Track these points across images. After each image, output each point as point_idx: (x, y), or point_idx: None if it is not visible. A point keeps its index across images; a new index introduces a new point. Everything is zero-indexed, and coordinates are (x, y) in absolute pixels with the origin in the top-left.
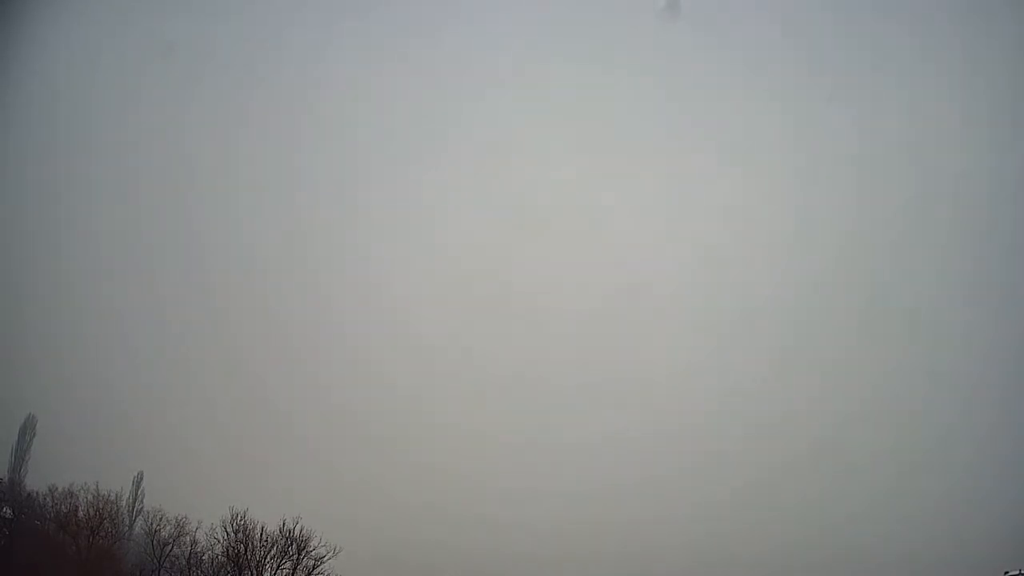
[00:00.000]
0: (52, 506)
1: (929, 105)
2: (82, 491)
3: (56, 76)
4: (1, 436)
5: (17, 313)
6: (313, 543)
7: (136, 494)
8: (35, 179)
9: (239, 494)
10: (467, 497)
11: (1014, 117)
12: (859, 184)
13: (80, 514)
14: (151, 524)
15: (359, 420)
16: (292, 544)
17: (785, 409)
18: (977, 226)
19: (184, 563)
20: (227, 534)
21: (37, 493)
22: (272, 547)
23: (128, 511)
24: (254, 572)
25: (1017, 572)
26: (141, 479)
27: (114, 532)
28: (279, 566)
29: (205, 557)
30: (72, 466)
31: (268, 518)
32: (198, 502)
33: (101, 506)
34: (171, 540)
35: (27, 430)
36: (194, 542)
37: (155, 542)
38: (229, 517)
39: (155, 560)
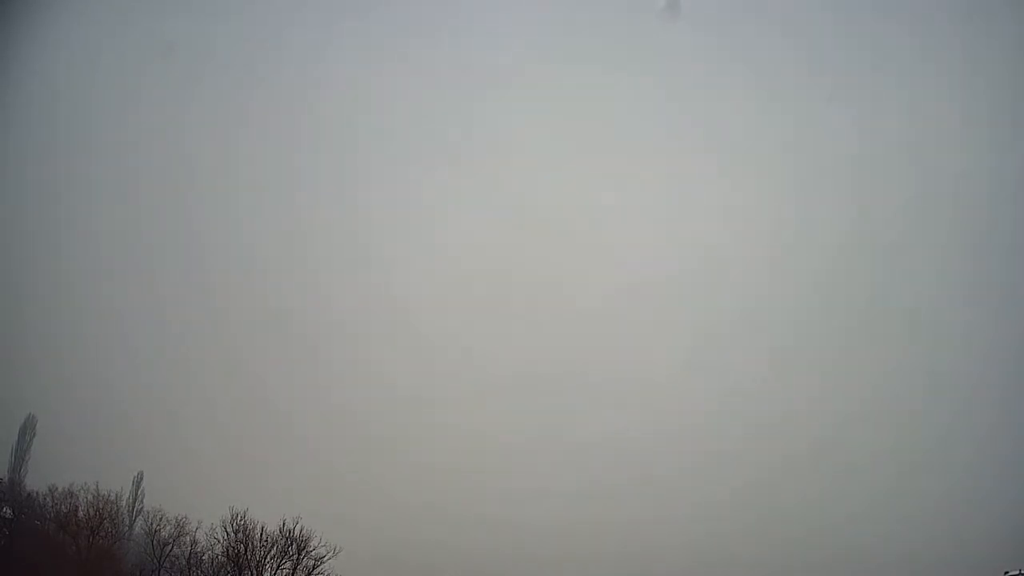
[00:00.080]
0: (52, 506)
1: (929, 105)
2: (82, 491)
3: (56, 76)
4: (1, 436)
5: (17, 313)
6: (313, 543)
7: (136, 494)
8: (35, 179)
9: (239, 494)
10: (467, 497)
11: (1014, 117)
12: (859, 184)
13: (80, 514)
14: (151, 524)
15: (359, 420)
16: (292, 544)
17: (785, 409)
18: (977, 226)
19: (184, 563)
20: (227, 534)
21: (37, 493)
22: (272, 547)
23: (128, 511)
24: (254, 572)
25: (1017, 572)
26: (141, 479)
27: (114, 532)
28: (279, 566)
29: (205, 557)
30: (72, 466)
31: (268, 518)
32: (198, 502)
33: (101, 506)
34: (171, 540)
35: (27, 430)
36: (194, 542)
37: (155, 542)
38: (229, 517)
39: (155, 560)
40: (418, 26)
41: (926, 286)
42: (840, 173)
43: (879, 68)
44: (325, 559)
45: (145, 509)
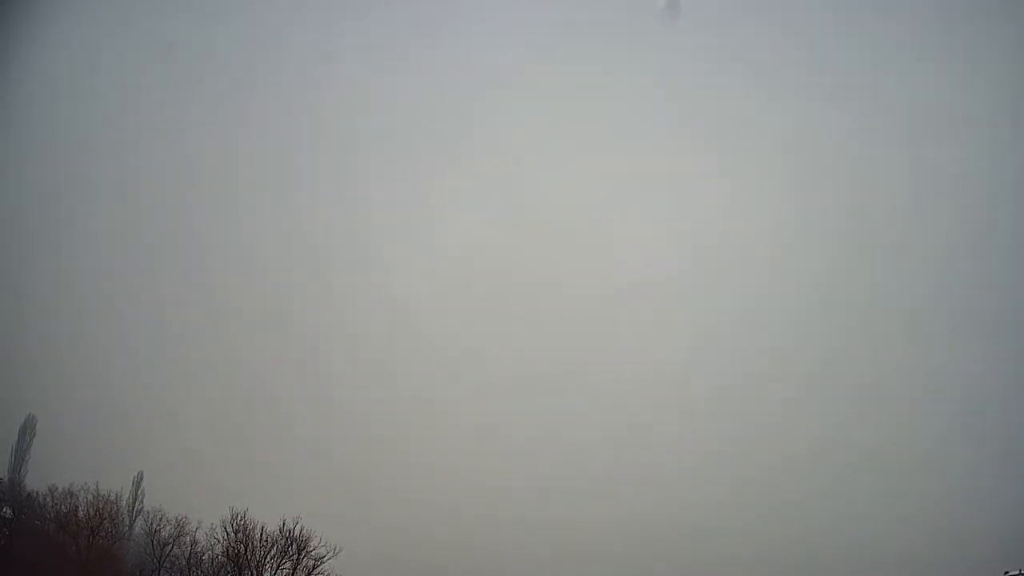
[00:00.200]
0: (52, 506)
1: (929, 105)
2: (82, 491)
3: (56, 76)
4: (1, 436)
5: (17, 313)
6: (313, 543)
7: (136, 494)
8: (35, 179)
9: (239, 494)
10: (467, 497)
11: (1014, 117)
12: (859, 184)
13: (80, 514)
14: (151, 524)
15: (359, 420)
16: (292, 544)
17: (785, 409)
18: (977, 226)
19: (184, 563)
20: (227, 534)
21: (37, 493)
22: (272, 547)
23: (128, 511)
24: (254, 572)
25: (1017, 572)
26: (141, 479)
27: (114, 532)
28: (279, 566)
29: (205, 557)
30: (72, 466)
31: (268, 518)
32: (198, 502)
33: (101, 506)
34: (171, 540)
35: (27, 430)
36: (194, 542)
37: (155, 542)
38: (229, 517)
39: (155, 560)
40: (418, 26)
41: (926, 286)
42: (840, 173)
43: (879, 68)
44: (325, 559)
45: (145, 509)
